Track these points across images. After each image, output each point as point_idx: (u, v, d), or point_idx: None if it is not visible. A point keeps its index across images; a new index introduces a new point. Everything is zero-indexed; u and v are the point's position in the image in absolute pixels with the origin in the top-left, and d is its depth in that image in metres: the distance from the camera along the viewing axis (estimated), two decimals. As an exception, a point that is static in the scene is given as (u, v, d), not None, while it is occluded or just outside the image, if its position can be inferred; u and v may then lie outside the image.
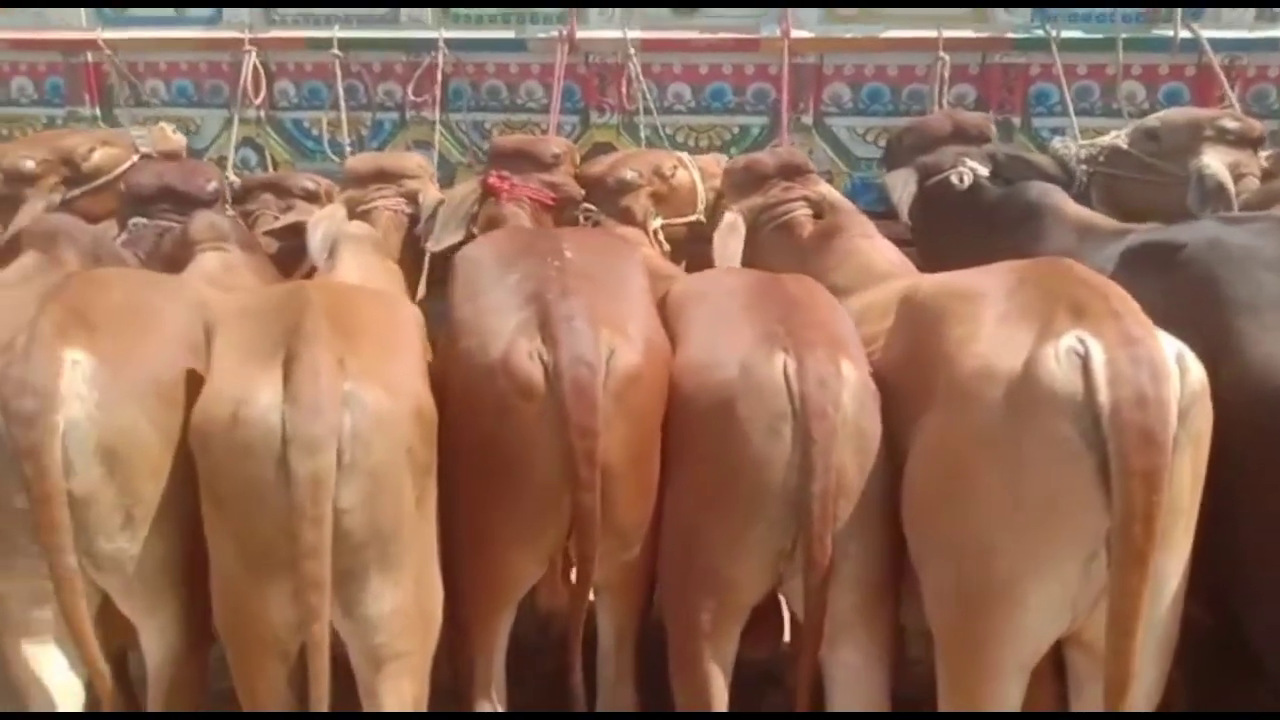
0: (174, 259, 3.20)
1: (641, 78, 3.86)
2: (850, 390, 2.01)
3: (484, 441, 2.05)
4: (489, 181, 3.30)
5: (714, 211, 3.57)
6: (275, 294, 2.18)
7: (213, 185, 3.40)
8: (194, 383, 2.09)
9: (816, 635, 2.03)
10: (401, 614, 1.96)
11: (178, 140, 4.15)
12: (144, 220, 3.26)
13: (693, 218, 3.53)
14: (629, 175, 3.40)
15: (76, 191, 3.84)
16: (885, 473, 2.04)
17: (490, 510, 2.08)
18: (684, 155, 3.64)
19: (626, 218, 3.38)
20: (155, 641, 2.13)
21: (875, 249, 2.83)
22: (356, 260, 2.91)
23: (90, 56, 4.27)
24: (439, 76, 3.96)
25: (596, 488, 1.96)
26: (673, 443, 2.13)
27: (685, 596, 2.11)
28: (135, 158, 3.97)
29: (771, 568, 2.06)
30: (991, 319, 1.90)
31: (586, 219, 3.41)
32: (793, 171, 3.26)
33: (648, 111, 3.90)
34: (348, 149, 4.11)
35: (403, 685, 2.01)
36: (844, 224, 2.91)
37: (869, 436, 2.04)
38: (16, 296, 2.58)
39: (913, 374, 2.06)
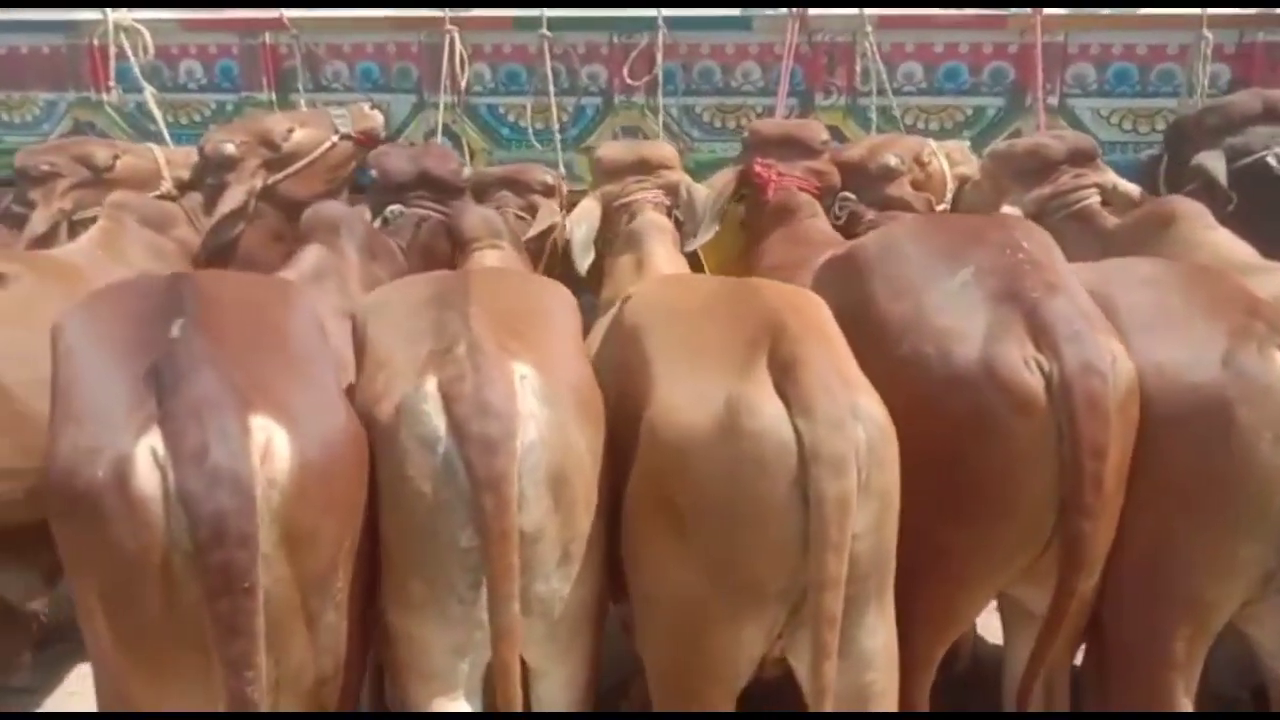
0: (430, 250, 3.03)
1: (876, 57, 3.67)
2: None
3: (946, 461, 1.86)
4: (754, 170, 3.11)
5: (956, 201, 3.41)
6: (717, 291, 1.97)
7: (466, 171, 3.21)
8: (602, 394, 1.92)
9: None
10: (889, 649, 1.78)
11: (376, 118, 3.92)
12: (401, 208, 3.06)
13: (941, 208, 3.36)
14: (893, 161, 3.22)
15: (279, 175, 3.67)
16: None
17: (952, 537, 1.89)
18: (930, 141, 3.46)
19: (888, 207, 3.20)
20: (561, 691, 1.94)
21: (1225, 239, 2.66)
22: (668, 252, 2.72)
23: (269, 38, 4.04)
24: (658, 58, 3.75)
25: (1099, 514, 1.78)
26: (1140, 454, 1.94)
27: (1154, 624, 1.94)
28: (334, 138, 3.78)
29: (1254, 589, 1.90)
30: None
31: (842, 210, 3.23)
32: (1083, 158, 3.08)
33: (880, 93, 3.71)
34: (551, 136, 3.91)
35: None
36: (1180, 212, 2.73)
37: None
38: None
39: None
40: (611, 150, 3.25)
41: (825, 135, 3.20)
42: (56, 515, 1.58)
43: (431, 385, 1.73)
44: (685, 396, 1.74)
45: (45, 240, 3.35)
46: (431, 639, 1.80)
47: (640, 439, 1.80)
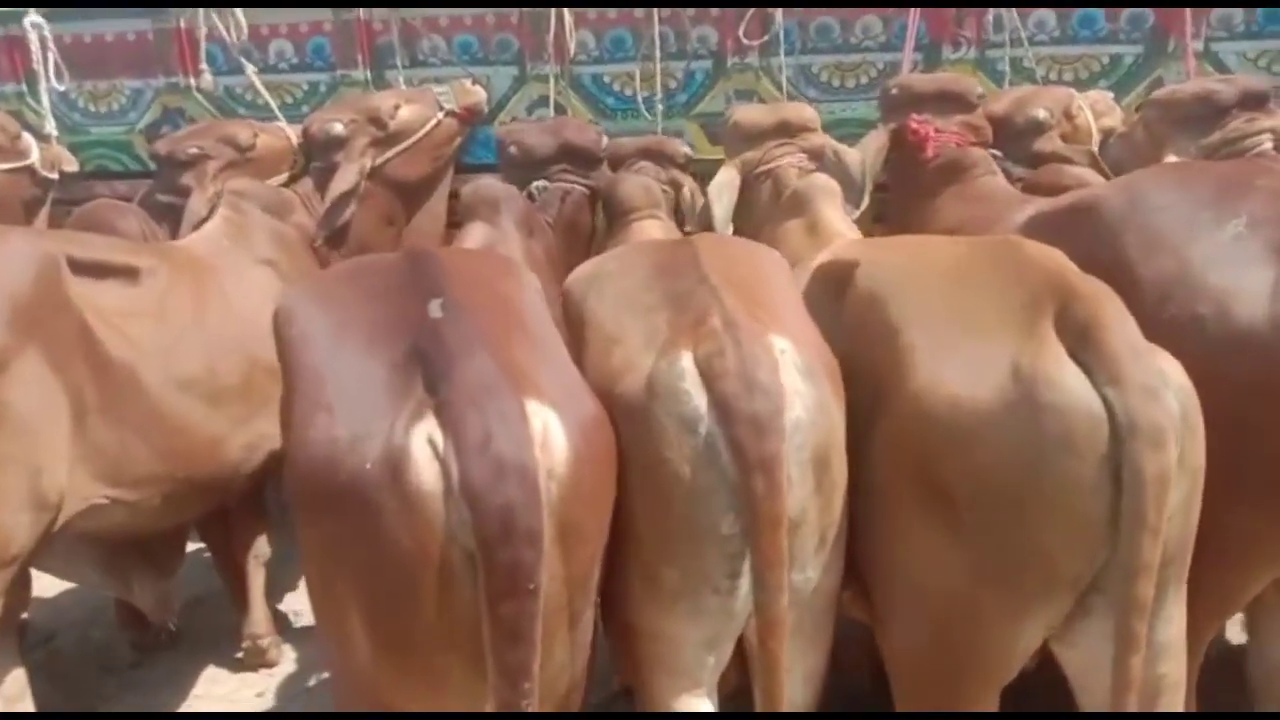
0: (574, 223, 2.91)
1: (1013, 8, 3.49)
2: None
3: (1225, 432, 1.69)
4: (911, 127, 2.96)
5: (1101, 154, 3.25)
6: (965, 252, 1.82)
7: (605, 141, 3.08)
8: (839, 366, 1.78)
9: None
10: (1181, 638, 1.65)
11: (479, 94, 3.81)
12: (545, 183, 2.93)
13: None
14: (1041, 114, 3.07)
15: (389, 154, 3.57)
16: None
17: (1235, 513, 1.75)
18: (1074, 92, 3.30)
19: (1039, 163, 3.04)
20: (801, 686, 1.81)
21: None
22: (840, 215, 2.58)
23: (363, 14, 3.90)
24: (778, 16, 3.59)
25: None
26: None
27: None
28: (439, 115, 3.66)
29: None
30: None
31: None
32: (1255, 101, 2.92)
33: (1014, 43, 3.54)
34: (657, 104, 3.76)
35: None
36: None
37: None
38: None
39: None
40: (750, 114, 3.10)
41: (980, 89, 3.04)
42: (310, 509, 1.46)
43: (687, 361, 1.60)
44: (957, 369, 1.60)
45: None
46: (683, 633, 1.68)
47: (893, 416, 1.67)
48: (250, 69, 3.89)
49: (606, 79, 3.86)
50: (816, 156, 3.00)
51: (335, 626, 1.49)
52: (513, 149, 2.94)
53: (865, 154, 2.94)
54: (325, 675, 3.56)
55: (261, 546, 3.57)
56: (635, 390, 1.63)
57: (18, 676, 2.59)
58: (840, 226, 2.53)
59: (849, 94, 3.69)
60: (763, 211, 2.87)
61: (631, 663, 1.80)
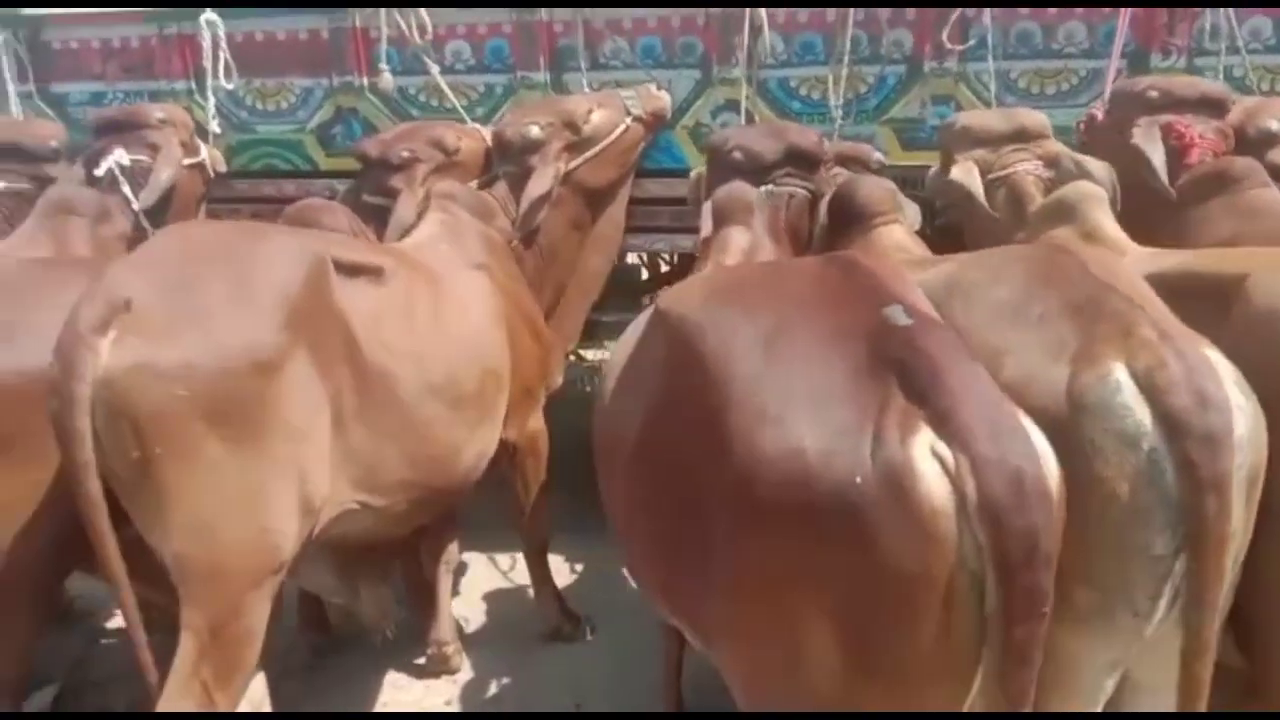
0: (796, 228, 2.84)
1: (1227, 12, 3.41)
2: None
3: None
4: (1177, 130, 2.86)
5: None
6: None
7: (825, 143, 3.02)
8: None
9: None
10: None
11: (664, 99, 3.79)
12: (771, 187, 2.87)
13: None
14: (1274, 125, 2.99)
15: (581, 158, 3.54)
16: None
17: None
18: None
19: (1272, 176, 2.95)
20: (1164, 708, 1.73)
21: None
22: (1113, 223, 2.50)
23: (545, 14, 3.86)
24: (986, 18, 3.51)
25: None
26: None
27: None
28: (627, 120, 3.63)
29: None
30: None
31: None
32: None
33: (1229, 51, 3.45)
34: (847, 109, 3.70)
35: None
36: None
37: None
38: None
39: None
40: (982, 118, 3.04)
41: (1233, 94, 2.95)
42: (767, 522, 1.39)
43: (1121, 373, 1.53)
44: None
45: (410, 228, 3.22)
46: (1088, 654, 1.62)
47: None
48: (434, 69, 3.85)
49: (793, 83, 3.80)
50: (1052, 164, 2.93)
51: (782, 643, 1.42)
52: (737, 153, 2.88)
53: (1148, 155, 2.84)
54: (507, 682, 3.53)
55: (452, 553, 3.53)
56: (1051, 404, 1.56)
57: (260, 680, 2.56)
58: (1120, 235, 2.46)
59: (1049, 101, 3.61)
60: (1007, 217, 2.79)
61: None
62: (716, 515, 1.49)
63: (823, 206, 2.81)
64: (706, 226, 2.59)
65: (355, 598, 2.85)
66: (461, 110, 3.83)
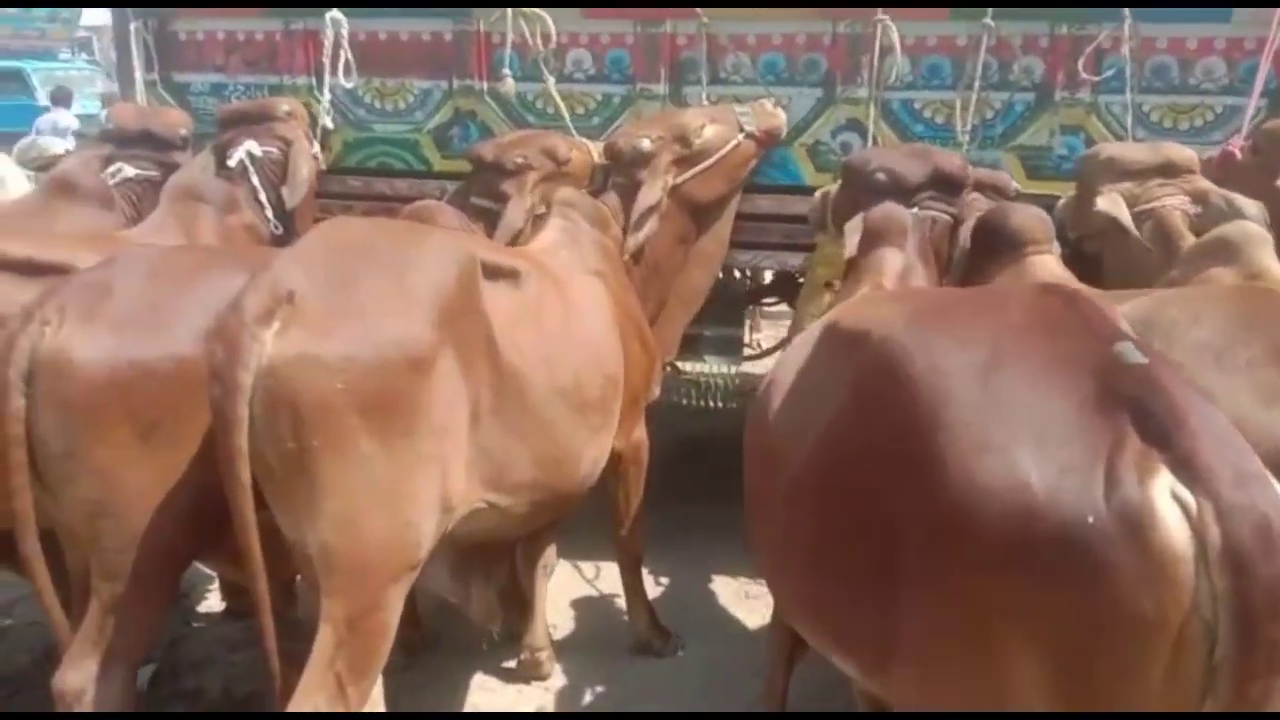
0: (936, 254, 2.78)
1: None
2: None
3: None
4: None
5: None
6: None
7: (968, 167, 2.98)
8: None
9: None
10: None
11: (780, 116, 3.76)
12: (917, 211, 2.83)
13: None
14: None
15: (689, 173, 3.54)
16: None
17: None
18: None
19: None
20: None
21: None
22: (1274, 263, 2.43)
23: (670, 27, 3.86)
24: (1125, 49, 3.45)
25: None
26: None
27: None
28: (740, 136, 3.63)
29: None
30: None
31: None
32: None
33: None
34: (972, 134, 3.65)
35: None
36: None
37: None
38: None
39: None
40: (1128, 150, 2.98)
41: None
42: (986, 559, 1.35)
43: None
44: None
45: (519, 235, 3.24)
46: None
47: None
48: (550, 80, 3.87)
49: (917, 105, 3.76)
50: (1200, 200, 2.86)
51: (984, 681, 1.38)
52: (880, 174, 2.84)
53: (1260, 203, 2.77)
54: (600, 691, 3.51)
55: (550, 557, 3.52)
56: (1266, 451, 1.50)
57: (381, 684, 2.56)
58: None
59: (1181, 136, 3.52)
60: (1157, 253, 2.73)
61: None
62: (912, 544, 1.45)
63: (964, 231, 2.77)
64: (851, 246, 2.55)
65: (468, 599, 2.85)
66: (569, 122, 3.85)
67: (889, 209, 2.54)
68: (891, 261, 2.39)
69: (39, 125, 10.94)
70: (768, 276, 4.85)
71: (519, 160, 3.42)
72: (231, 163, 3.48)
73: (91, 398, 2.21)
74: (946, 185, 2.84)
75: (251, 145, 3.50)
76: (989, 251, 2.64)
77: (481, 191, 3.48)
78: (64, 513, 2.32)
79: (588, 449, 2.85)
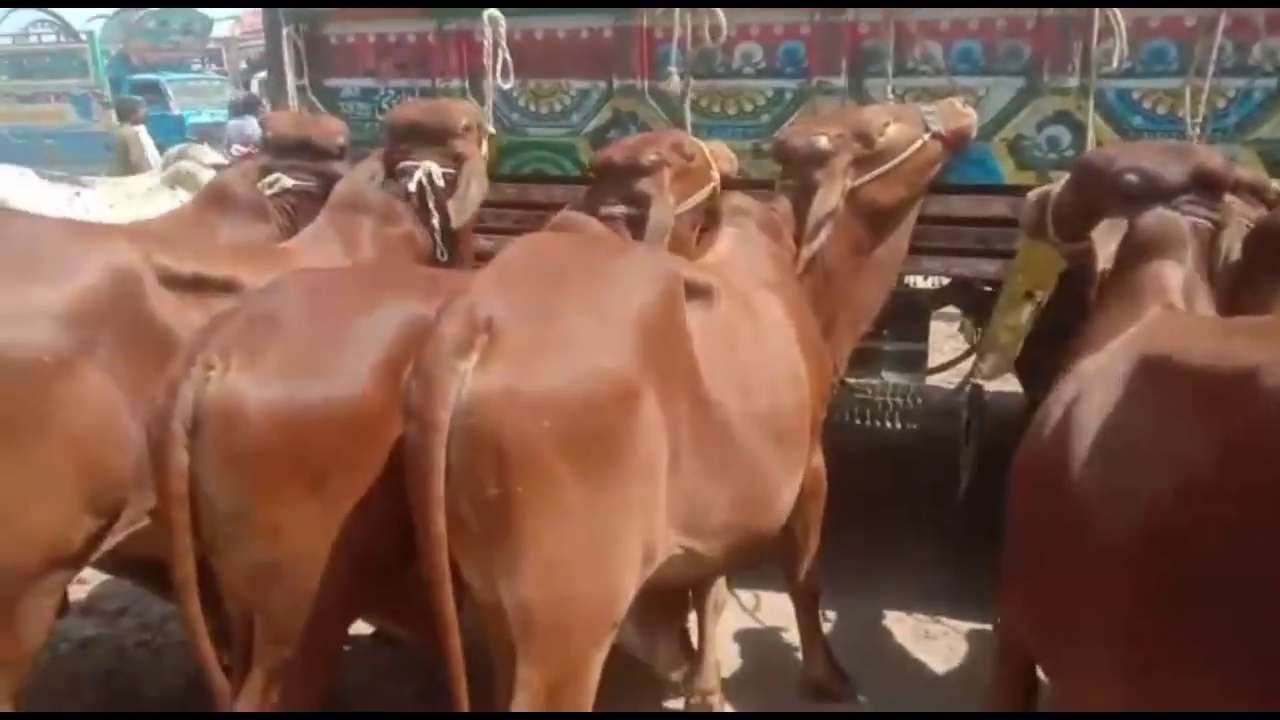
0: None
1: None
2: None
3: None
4: None
5: None
6: None
7: (1233, 166, 2.58)
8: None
9: None
10: None
11: (970, 116, 3.41)
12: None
13: None
14: None
15: (868, 175, 3.23)
16: None
17: None
18: None
19: None
20: None
21: None
22: None
23: (852, 14, 3.54)
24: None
25: None
26: None
27: None
28: (925, 136, 3.29)
29: None
30: None
31: None
32: None
33: None
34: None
35: None
36: None
37: None
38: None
39: None
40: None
41: None
42: None
43: None
44: None
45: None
46: None
47: None
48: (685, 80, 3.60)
49: (1135, 94, 3.34)
50: None
51: None
52: (1130, 176, 2.45)
53: None
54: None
55: (720, 594, 3.26)
56: None
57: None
58: None
59: None
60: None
61: None
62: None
63: (1230, 238, 2.37)
64: (1105, 258, 2.20)
65: (654, 651, 2.60)
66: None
67: (1164, 216, 2.18)
68: (1174, 277, 2.03)
69: (229, 134, 10.78)
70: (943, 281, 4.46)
71: (654, 158, 3.16)
72: (411, 186, 3.32)
73: (264, 451, 2.01)
74: (1208, 187, 2.44)
75: (433, 168, 3.33)
76: (1271, 264, 2.23)
77: (614, 197, 3.20)
78: (228, 573, 2.14)
79: (786, 484, 2.57)
